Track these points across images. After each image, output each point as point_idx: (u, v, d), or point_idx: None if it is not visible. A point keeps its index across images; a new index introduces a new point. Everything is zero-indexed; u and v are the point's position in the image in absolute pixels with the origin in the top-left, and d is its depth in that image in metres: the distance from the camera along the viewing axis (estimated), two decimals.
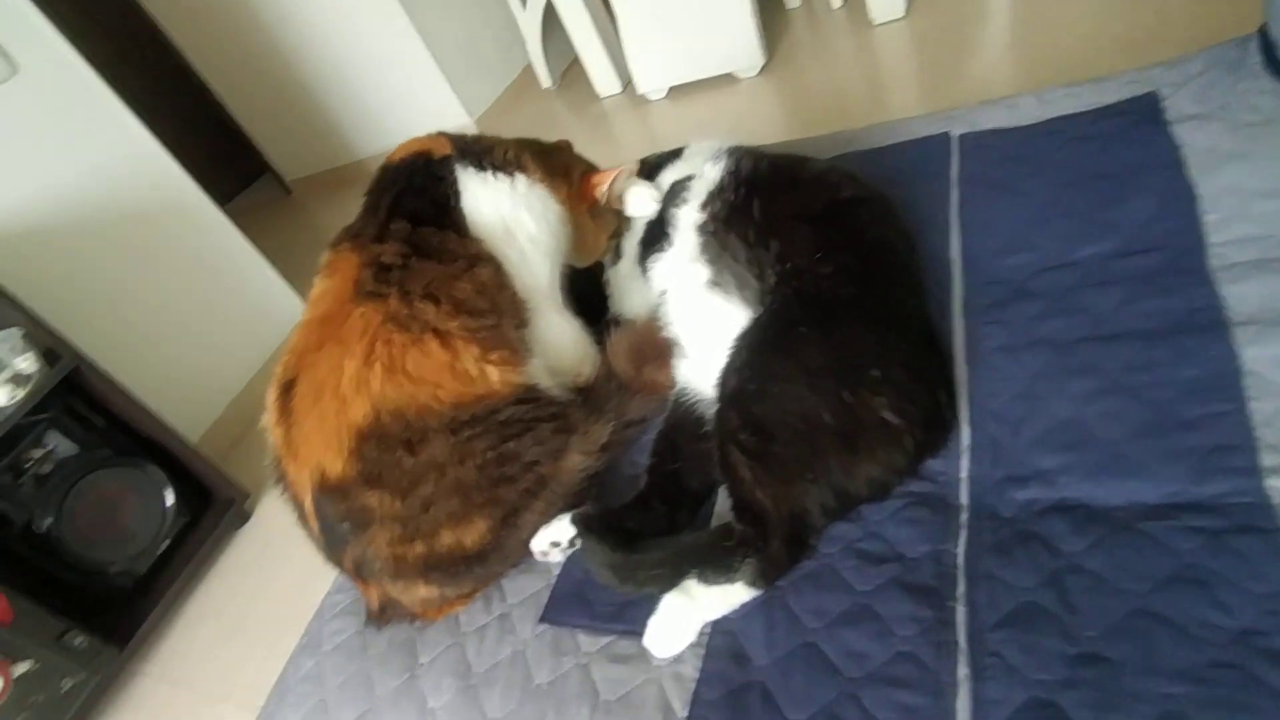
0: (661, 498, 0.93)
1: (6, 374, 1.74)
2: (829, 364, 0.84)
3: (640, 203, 1.14)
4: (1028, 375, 0.87)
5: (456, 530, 0.88)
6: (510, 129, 3.53)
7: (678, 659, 0.79)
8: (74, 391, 1.89)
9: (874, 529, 0.82)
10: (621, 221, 1.20)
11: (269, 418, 0.90)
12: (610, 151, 3.20)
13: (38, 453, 1.81)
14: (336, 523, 0.87)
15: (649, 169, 1.20)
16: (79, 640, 1.76)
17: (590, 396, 1.06)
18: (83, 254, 2.14)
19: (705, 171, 1.09)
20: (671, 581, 0.83)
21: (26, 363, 1.78)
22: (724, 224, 1.00)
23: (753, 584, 0.81)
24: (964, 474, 0.83)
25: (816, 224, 0.96)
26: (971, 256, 1.05)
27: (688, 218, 1.06)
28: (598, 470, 1.01)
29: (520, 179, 1.07)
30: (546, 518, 0.95)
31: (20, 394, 1.74)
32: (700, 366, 0.97)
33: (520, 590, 0.95)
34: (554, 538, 0.94)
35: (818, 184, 1.03)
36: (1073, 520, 0.75)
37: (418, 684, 0.89)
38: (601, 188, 1.15)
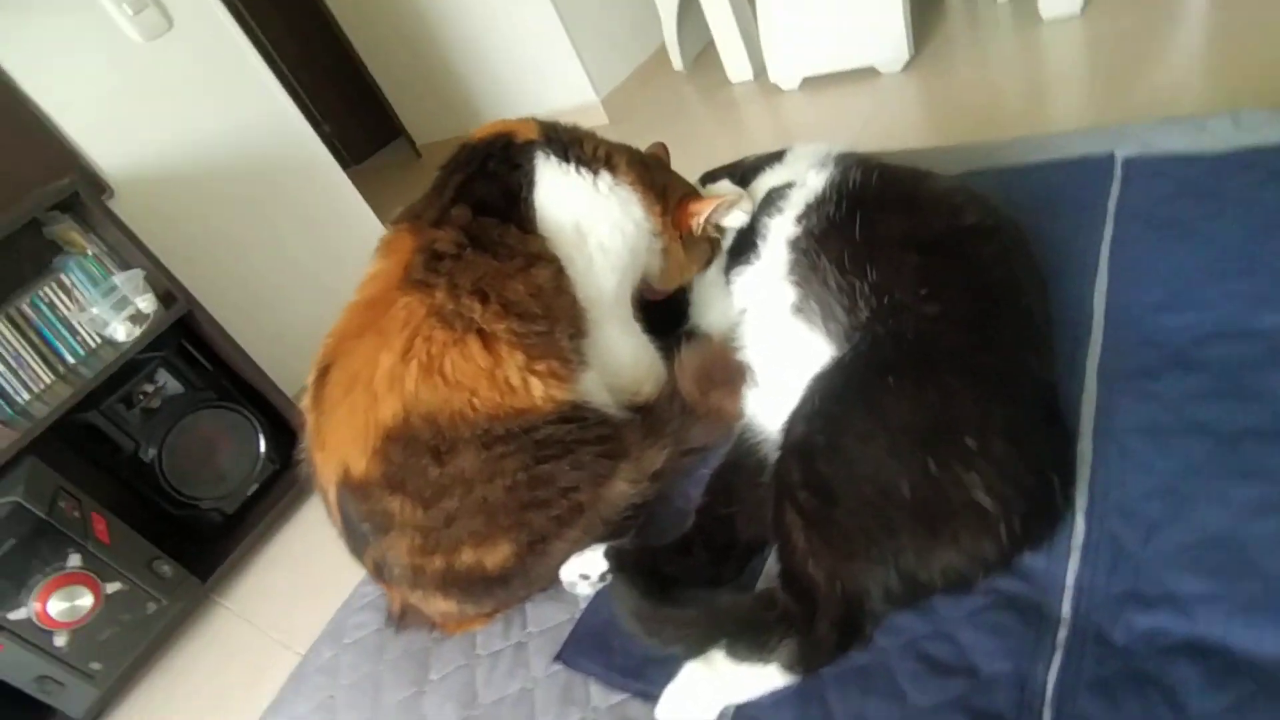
0: (706, 544, 0.83)
1: (128, 311, 1.85)
2: (917, 425, 0.70)
3: (734, 215, 1.03)
4: (1174, 468, 0.70)
5: (479, 550, 0.82)
6: (638, 110, 3.49)
7: None
8: (186, 334, 1.99)
9: (946, 629, 0.68)
10: (715, 251, 1.08)
11: (306, 401, 0.87)
12: (735, 140, 3.09)
13: (148, 388, 1.92)
14: (358, 522, 0.83)
15: (745, 171, 1.08)
16: (166, 569, 1.86)
17: (650, 416, 0.96)
18: (208, 204, 2.25)
19: (807, 179, 0.96)
20: (699, 646, 0.72)
21: (146, 303, 1.88)
22: (819, 242, 0.88)
23: (789, 668, 0.69)
24: (1070, 579, 0.68)
25: (927, 253, 0.82)
26: (1120, 308, 0.87)
27: (780, 230, 0.94)
28: (646, 499, 0.92)
29: (605, 178, 0.97)
30: (581, 545, 0.87)
31: (138, 331, 1.85)
32: (772, 400, 0.86)
33: (543, 618, 0.88)
34: (584, 569, 0.86)
35: (936, 205, 0.88)
36: (1208, 668, 0.59)
37: (422, 702, 0.84)
38: (699, 216, 1.04)
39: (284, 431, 2.10)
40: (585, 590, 0.87)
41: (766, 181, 1.04)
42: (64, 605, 1.67)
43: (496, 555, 0.82)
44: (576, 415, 0.86)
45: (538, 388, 0.84)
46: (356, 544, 0.85)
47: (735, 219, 1.03)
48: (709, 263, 1.09)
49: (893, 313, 0.78)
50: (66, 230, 1.91)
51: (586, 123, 3.42)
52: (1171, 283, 0.86)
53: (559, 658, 0.82)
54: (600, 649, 0.80)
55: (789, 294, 0.87)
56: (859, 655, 0.70)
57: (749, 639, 0.70)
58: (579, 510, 0.86)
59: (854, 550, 0.69)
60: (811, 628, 0.69)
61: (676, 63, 3.62)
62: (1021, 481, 0.68)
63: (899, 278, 0.80)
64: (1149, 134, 1.07)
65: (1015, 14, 2.70)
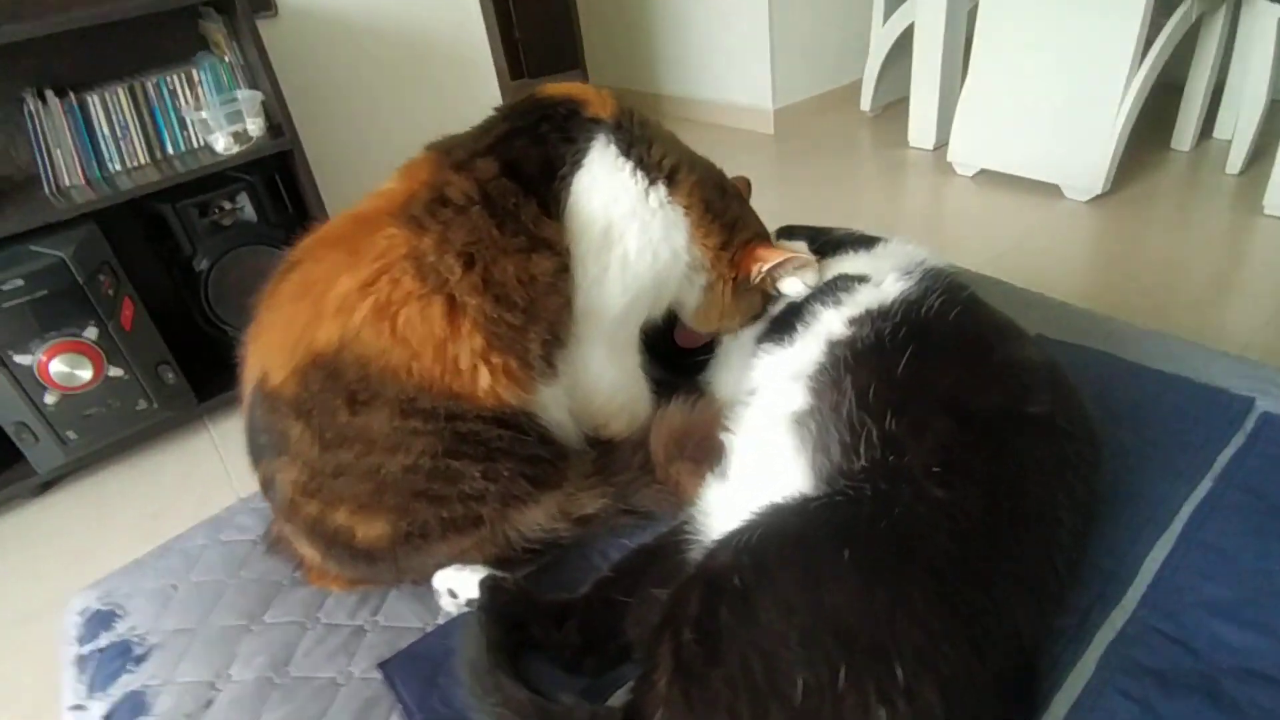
0: (584, 626, 0.72)
1: (236, 128, 1.88)
2: (849, 623, 0.57)
3: (792, 283, 0.90)
4: None
5: (354, 516, 0.74)
6: (804, 133, 3.32)
7: None
8: (281, 170, 2.01)
9: None
10: (764, 309, 0.96)
11: (261, 291, 0.81)
12: (884, 202, 2.89)
13: (226, 205, 1.95)
14: (260, 431, 0.77)
15: (828, 242, 0.95)
16: (170, 375, 1.90)
17: (604, 457, 0.86)
18: (358, 58, 2.26)
19: (884, 282, 0.83)
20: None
21: (255, 127, 1.90)
22: (856, 358, 0.74)
23: None
24: None
25: (965, 425, 0.67)
26: (1171, 588, 0.70)
27: (827, 323, 0.81)
28: (560, 541, 0.82)
29: (660, 191, 0.85)
30: (467, 557, 0.78)
31: (236, 149, 1.87)
32: (728, 502, 0.74)
33: (396, 614, 0.80)
34: (456, 586, 0.77)
35: (1005, 373, 0.73)
36: None
37: (242, 640, 0.78)
38: (764, 265, 0.91)
39: None
40: (448, 606, 0.78)
41: (843, 264, 0.90)
42: (65, 369, 1.72)
43: (370, 530, 0.75)
44: (515, 424, 0.77)
45: (485, 379, 0.75)
46: (254, 452, 0.80)
47: (793, 286, 0.91)
48: (755, 319, 0.97)
49: (892, 477, 0.65)
50: (215, 31, 1.94)
51: (749, 128, 3.33)
52: (1249, 586, 0.69)
53: (382, 665, 0.73)
54: (424, 679, 0.72)
55: (797, 399, 0.74)
56: None
57: None
58: (476, 522, 0.77)
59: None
60: None
61: (865, 103, 3.44)
62: None
63: (919, 440, 0.66)
64: None
65: (1237, 194, 2.39)
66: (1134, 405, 0.87)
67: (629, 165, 0.84)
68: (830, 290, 0.85)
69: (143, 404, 1.88)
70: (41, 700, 0.84)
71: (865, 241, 0.93)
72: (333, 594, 0.82)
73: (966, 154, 2.77)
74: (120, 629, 0.82)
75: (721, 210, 0.90)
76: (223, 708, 0.71)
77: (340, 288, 0.72)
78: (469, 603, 0.76)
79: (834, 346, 0.77)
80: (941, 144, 2.93)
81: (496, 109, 0.87)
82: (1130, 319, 1.42)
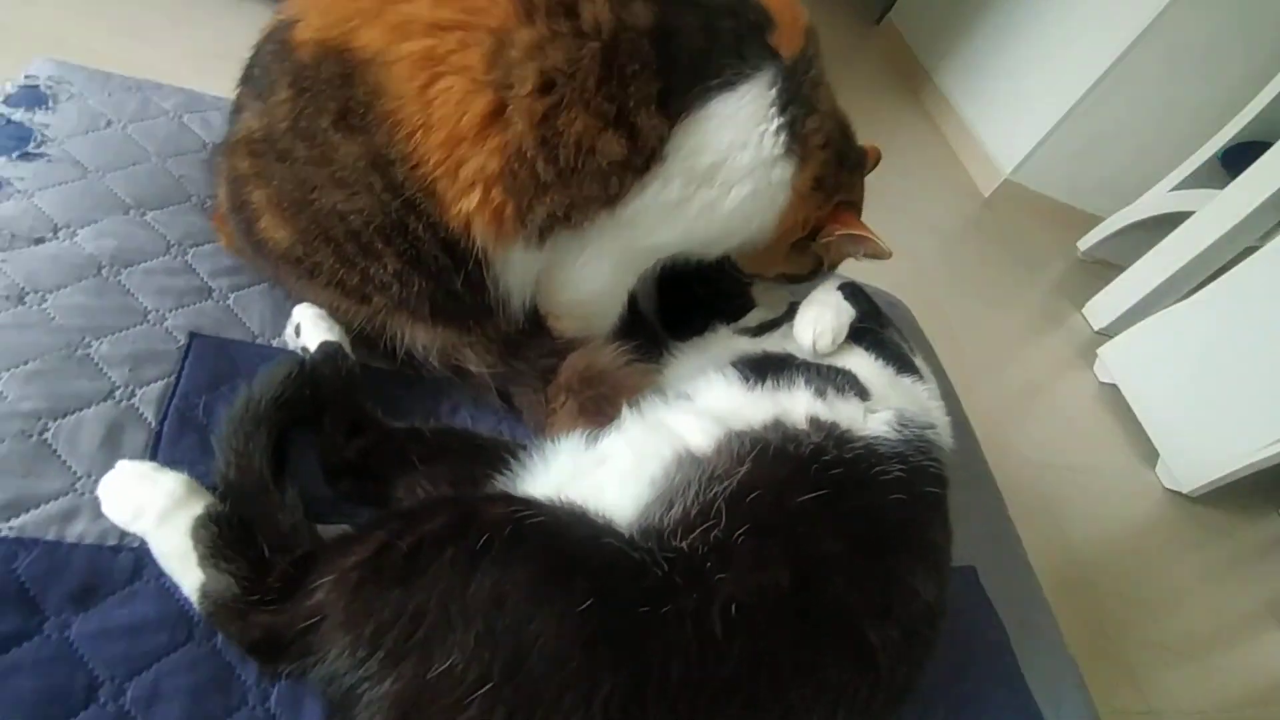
0: (366, 450, 0.69)
1: None
2: (530, 653, 0.53)
3: (808, 328, 0.80)
4: None
5: (269, 206, 0.70)
6: (1013, 220, 3.00)
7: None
8: None
9: None
10: (812, 273, 0.89)
11: None
12: (1008, 342, 2.66)
13: None
14: (258, 63, 0.70)
15: (872, 337, 0.83)
16: None
17: (522, 338, 0.79)
18: None
19: (874, 414, 0.73)
20: (229, 483, 0.61)
21: None
22: (776, 455, 0.66)
23: (203, 597, 0.57)
24: None
25: (796, 597, 0.60)
26: None
27: (793, 402, 0.72)
28: (430, 373, 0.77)
29: (785, 169, 0.74)
30: (339, 315, 0.74)
31: None
32: (570, 467, 0.69)
33: (246, 305, 0.77)
34: (306, 327, 0.73)
35: (875, 585, 0.65)
36: None
37: (113, 214, 0.76)
38: (837, 230, 0.82)
39: None
40: (288, 337, 0.75)
41: (863, 365, 0.79)
42: None
43: (273, 229, 0.70)
44: (460, 257, 0.69)
45: (471, 202, 0.66)
46: (244, 75, 0.73)
47: (804, 335, 0.80)
48: (806, 277, 0.90)
49: (694, 581, 0.58)
50: None
51: (970, 174, 3.02)
52: None
53: (194, 334, 0.71)
54: (212, 373, 0.70)
55: (700, 441, 0.67)
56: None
57: (232, 536, 0.58)
58: (363, 299, 0.72)
59: (367, 632, 0.54)
60: (259, 603, 0.56)
61: (1085, 242, 3.11)
62: None
63: (747, 573, 0.59)
64: None
65: None
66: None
67: (778, 122, 0.72)
68: (827, 376, 0.75)
69: None
70: None
71: (904, 363, 0.82)
72: (216, 245, 0.78)
73: (1114, 364, 2.53)
74: (38, 118, 0.79)
75: (832, 187, 0.80)
76: (41, 254, 0.69)
77: (415, 8, 0.63)
78: (303, 349, 0.73)
79: (774, 428, 0.69)
80: (1107, 335, 2.66)
81: None
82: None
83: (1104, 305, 2.79)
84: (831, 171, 0.79)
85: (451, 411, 0.79)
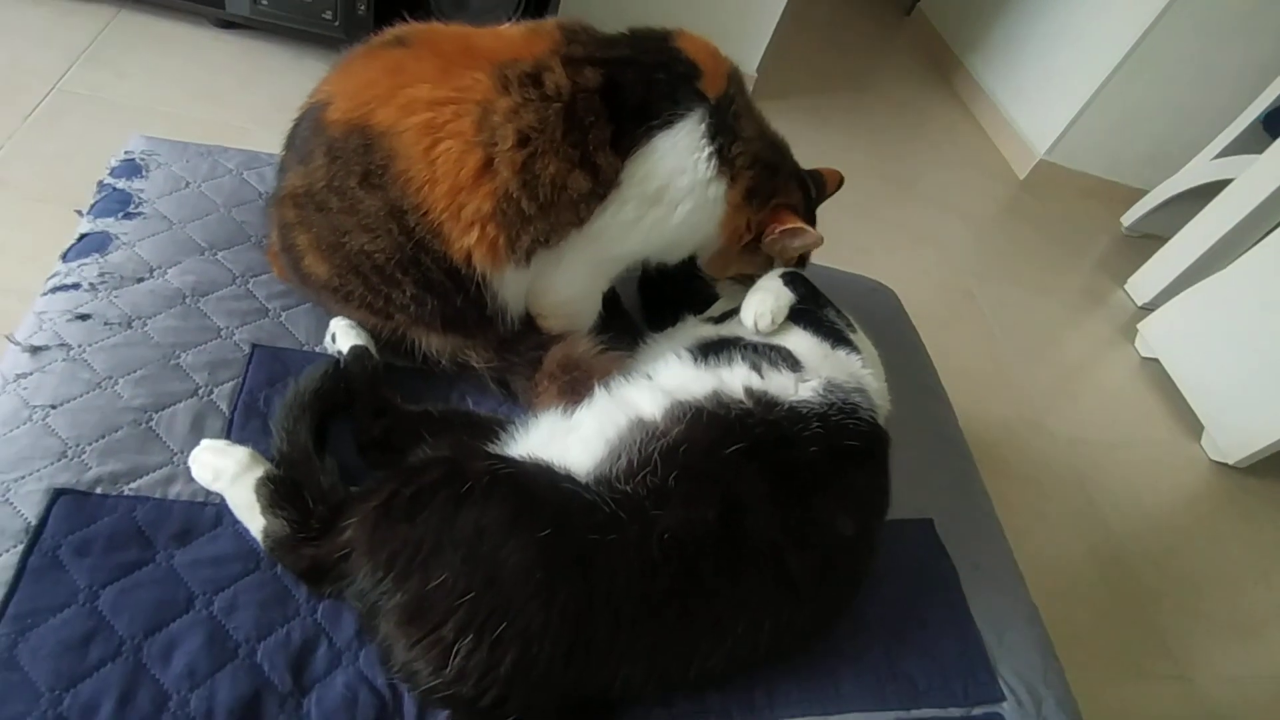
0: (389, 429, 0.86)
1: None
2: (503, 573, 0.69)
3: (750, 311, 0.93)
4: None
5: (310, 247, 0.88)
6: (1051, 195, 3.02)
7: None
8: None
9: None
10: (760, 272, 1.02)
11: (371, 39, 0.89)
12: (1043, 302, 2.66)
13: None
14: (299, 135, 0.88)
15: (809, 316, 0.96)
16: (362, 7, 2.05)
17: (514, 338, 0.96)
18: None
19: (805, 383, 0.86)
20: (282, 454, 0.80)
21: None
22: (710, 419, 0.81)
23: (265, 536, 0.76)
24: None
25: (725, 530, 0.75)
26: None
27: (732, 376, 0.86)
28: (441, 369, 0.95)
29: (719, 187, 0.91)
30: (366, 326, 0.93)
31: None
32: (548, 433, 0.85)
33: (295, 320, 0.96)
34: (339, 335, 0.92)
35: (797, 524, 0.79)
36: None
37: (191, 256, 0.96)
38: (777, 228, 0.96)
39: None
40: (327, 343, 0.94)
41: (799, 341, 0.92)
42: None
43: (314, 264, 0.89)
44: (464, 283, 0.86)
45: (471, 238, 0.83)
46: (288, 142, 0.92)
47: (747, 315, 0.94)
48: (742, 279, 1.04)
49: (635, 515, 0.73)
50: None
51: (1004, 154, 3.11)
52: None
53: (256, 344, 0.91)
54: (270, 376, 0.89)
55: (650, 407, 0.82)
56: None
57: (285, 492, 0.76)
58: (386, 316, 0.90)
59: (383, 557, 0.71)
60: (305, 540, 0.74)
61: (1129, 218, 3.08)
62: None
63: (678, 509, 0.74)
64: None
65: None
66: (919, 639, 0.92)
67: (709, 150, 0.88)
68: (763, 352, 0.89)
69: (328, 15, 2.06)
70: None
71: (838, 338, 0.94)
72: (271, 275, 0.98)
73: (1155, 339, 2.51)
74: (135, 184, 1.01)
75: (766, 194, 0.95)
76: (141, 289, 0.91)
77: (417, 91, 0.81)
78: (338, 352, 0.91)
79: (711, 397, 0.83)
80: (1151, 310, 2.64)
81: (631, 30, 0.90)
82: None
83: (1146, 280, 2.77)
84: (762, 183, 0.94)
85: (460, 398, 0.96)
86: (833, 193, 1.12)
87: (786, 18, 2.65)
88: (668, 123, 0.87)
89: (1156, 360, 2.49)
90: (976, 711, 0.89)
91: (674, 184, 0.89)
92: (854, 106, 3.17)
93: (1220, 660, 1.82)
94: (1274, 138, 2.48)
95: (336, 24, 2.06)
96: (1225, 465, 2.27)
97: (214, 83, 2.05)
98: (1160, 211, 2.95)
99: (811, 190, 1.03)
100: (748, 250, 1.00)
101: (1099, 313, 2.75)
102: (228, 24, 2.15)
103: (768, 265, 1.03)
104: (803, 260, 1.09)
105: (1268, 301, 2.22)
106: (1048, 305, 2.70)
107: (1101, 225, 3.12)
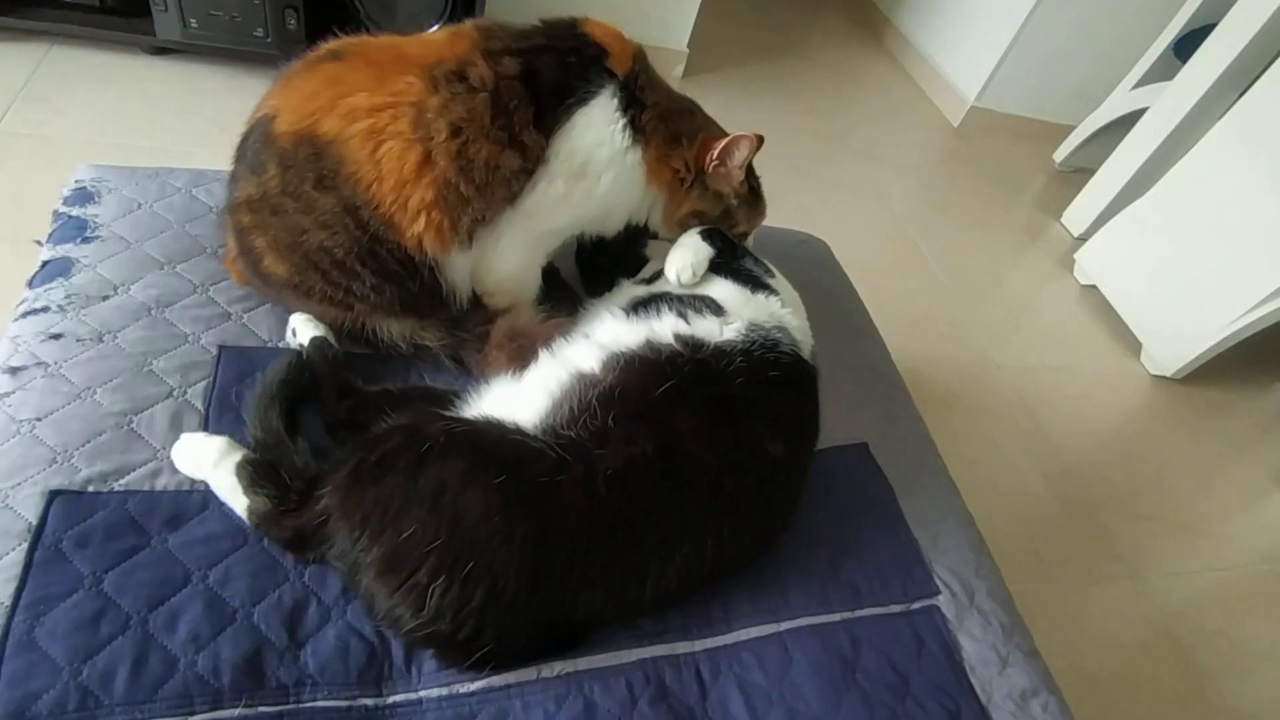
0: (353, 409, 0.93)
1: None
2: (465, 519, 0.77)
3: (672, 266, 1.01)
4: None
5: (269, 249, 0.94)
6: (983, 140, 3.13)
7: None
8: None
9: None
10: (726, 210, 1.10)
11: (308, 54, 0.95)
12: (986, 254, 2.80)
13: None
14: (249, 146, 0.94)
15: (728, 266, 1.04)
16: (293, 22, 2.09)
17: (464, 315, 1.04)
18: None
19: (729, 326, 0.95)
20: (256, 439, 0.87)
21: None
22: (641, 363, 0.89)
23: (249, 513, 0.83)
24: None
25: (663, 460, 0.83)
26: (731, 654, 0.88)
27: (662, 325, 0.95)
28: (399, 351, 1.03)
29: (635, 154, 0.99)
30: (325, 319, 1.00)
31: None
32: (499, 395, 0.93)
33: (257, 321, 1.02)
34: (300, 329, 0.99)
35: (730, 447, 0.88)
36: None
37: (151, 271, 1.02)
38: (713, 151, 1.04)
39: None
40: (289, 338, 1.00)
41: (721, 290, 1.00)
42: None
43: (274, 265, 0.95)
44: (416, 267, 0.93)
45: (419, 226, 0.91)
46: (238, 154, 0.98)
47: (671, 269, 1.02)
48: (725, 214, 1.11)
49: (580, 457, 0.81)
50: None
51: (936, 105, 3.25)
52: None
53: (222, 347, 0.98)
54: (238, 373, 0.95)
55: (587, 360, 0.90)
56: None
57: (263, 472, 0.84)
58: (346, 307, 0.98)
59: (357, 519, 0.79)
60: (286, 512, 0.82)
61: (1060, 153, 3.20)
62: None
63: (619, 447, 0.82)
64: None
65: None
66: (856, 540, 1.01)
67: (622, 121, 0.97)
68: (689, 303, 0.97)
69: (259, 32, 2.10)
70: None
71: (758, 283, 1.03)
72: (228, 280, 1.05)
73: (1091, 266, 2.64)
74: (90, 210, 1.07)
75: (691, 131, 1.04)
76: (107, 306, 0.97)
77: (357, 100, 0.88)
78: (299, 345, 0.99)
79: (646, 346, 0.92)
80: (1085, 239, 2.77)
81: (542, 21, 0.98)
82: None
83: (1080, 211, 2.90)
84: (683, 127, 1.03)
85: (418, 377, 1.03)
86: (755, 152, 1.16)
87: None
88: (583, 100, 0.96)
89: (1095, 286, 2.62)
90: (915, 605, 0.99)
91: (595, 156, 0.98)
92: (787, 73, 3.26)
93: (1166, 558, 1.95)
94: (1184, 62, 2.60)
95: (269, 40, 2.10)
96: (1164, 378, 2.40)
97: (153, 110, 2.08)
98: (1088, 145, 3.08)
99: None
100: (695, 190, 1.07)
101: (1038, 247, 2.87)
102: (160, 50, 2.19)
103: (719, 201, 1.10)
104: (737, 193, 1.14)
105: (1189, 220, 2.35)
106: (989, 245, 2.81)
107: (1036, 164, 3.24)
